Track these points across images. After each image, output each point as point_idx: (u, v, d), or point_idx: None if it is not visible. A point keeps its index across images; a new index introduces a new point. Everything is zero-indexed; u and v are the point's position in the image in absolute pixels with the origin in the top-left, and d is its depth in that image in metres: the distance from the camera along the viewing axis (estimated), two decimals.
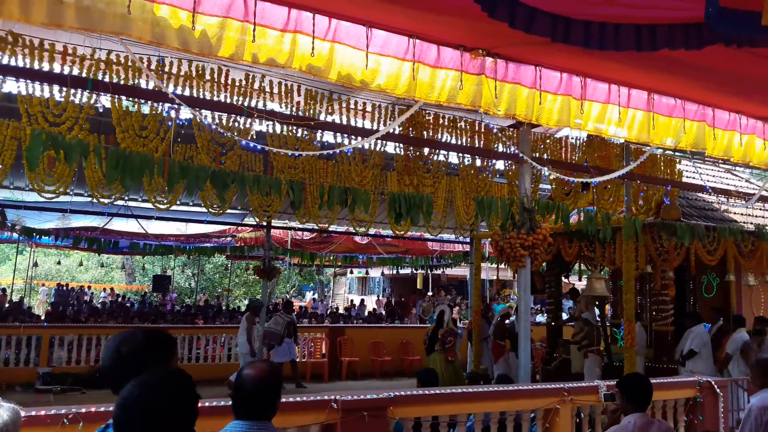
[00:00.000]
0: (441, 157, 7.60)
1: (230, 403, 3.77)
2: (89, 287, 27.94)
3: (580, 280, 15.40)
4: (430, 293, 23.21)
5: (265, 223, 12.32)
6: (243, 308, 21.75)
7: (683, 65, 4.26)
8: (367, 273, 29.15)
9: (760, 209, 10.72)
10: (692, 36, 2.86)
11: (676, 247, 8.87)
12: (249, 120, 5.99)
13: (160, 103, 5.92)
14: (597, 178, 6.85)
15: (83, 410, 3.50)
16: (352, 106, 6.80)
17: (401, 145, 7.34)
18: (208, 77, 6.13)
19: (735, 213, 10.35)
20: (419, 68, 4.26)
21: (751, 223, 9.91)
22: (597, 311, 12.45)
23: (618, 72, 4.81)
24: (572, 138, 8.42)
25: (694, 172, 10.88)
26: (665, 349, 9.37)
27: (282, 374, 2.58)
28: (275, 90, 6.41)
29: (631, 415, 3.64)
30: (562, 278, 13.24)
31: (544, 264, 11.86)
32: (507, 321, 10.90)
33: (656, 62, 4.38)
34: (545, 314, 14.88)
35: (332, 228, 12.72)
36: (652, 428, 3.60)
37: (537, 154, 7.77)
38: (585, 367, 9.89)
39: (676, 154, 8.96)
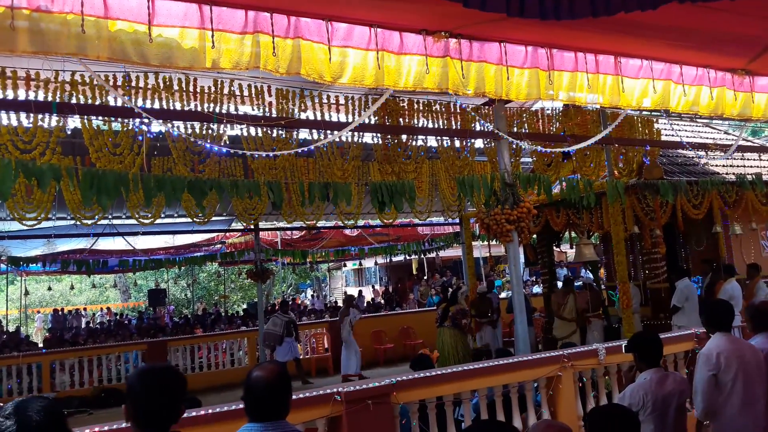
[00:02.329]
0: (420, 142, 7.61)
1: (240, 407, 3.84)
2: (85, 309, 27.81)
3: (571, 248, 15.53)
4: (425, 277, 23.31)
5: (252, 227, 12.29)
6: (241, 312, 21.80)
7: (645, 27, 4.26)
8: (361, 264, 29.20)
9: (740, 159, 10.83)
10: None
11: (661, 205, 8.96)
12: (221, 126, 5.96)
13: (131, 119, 5.87)
14: (573, 146, 6.88)
15: (97, 430, 3.50)
16: (325, 100, 6.78)
17: (379, 134, 7.34)
18: (176, 87, 6.08)
19: (716, 165, 10.45)
20: (384, 56, 4.25)
21: (733, 174, 10.02)
22: (591, 275, 12.61)
23: (582, 40, 4.81)
24: (548, 109, 8.45)
25: (671, 130, 10.97)
26: (661, 306, 9.49)
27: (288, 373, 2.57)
28: (245, 93, 6.37)
29: (647, 371, 3.75)
30: (554, 248, 13.39)
31: (534, 236, 11.97)
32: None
33: (618, 26, 4.38)
34: (541, 284, 15.05)
35: (320, 224, 12.70)
36: (668, 380, 3.71)
37: (516, 129, 7.79)
38: (588, 332, 10.04)
39: (653, 114, 9.00)
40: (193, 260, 17.18)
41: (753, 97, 5.57)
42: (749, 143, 9.48)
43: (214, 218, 9.98)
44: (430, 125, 7.24)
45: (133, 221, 8.26)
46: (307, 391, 4.28)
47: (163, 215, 8.89)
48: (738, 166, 10.68)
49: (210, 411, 3.93)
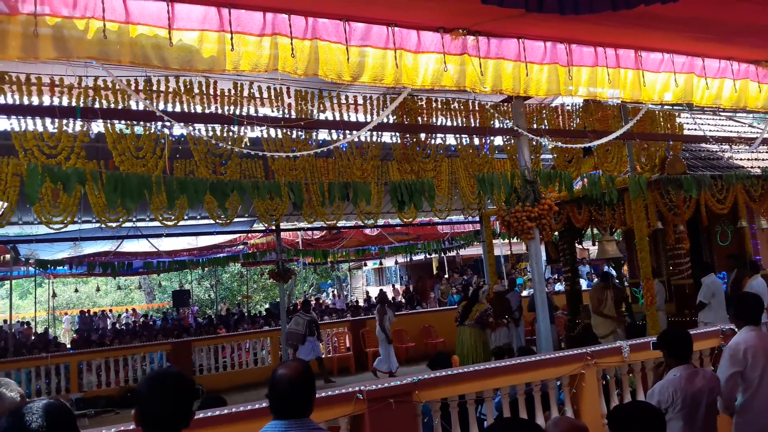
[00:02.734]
0: (439, 141, 7.60)
1: (263, 405, 3.87)
2: (111, 310, 28.25)
3: (593, 245, 15.36)
4: (446, 276, 23.26)
5: (273, 227, 12.38)
6: (264, 312, 21.96)
7: (666, 20, 4.22)
8: (381, 263, 29.22)
9: (766, 152, 10.62)
10: None
11: (685, 200, 8.83)
12: (242, 128, 6.02)
13: (153, 122, 5.95)
14: (594, 142, 6.81)
15: (122, 428, 3.55)
16: (344, 101, 6.81)
17: (397, 134, 7.34)
18: (196, 91, 6.16)
19: (741, 159, 10.26)
20: (402, 55, 4.26)
21: (758, 167, 9.83)
22: (615, 272, 12.47)
23: (602, 34, 4.77)
24: (568, 105, 8.38)
25: (694, 124, 10.80)
26: (686, 302, 9.35)
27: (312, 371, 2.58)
28: (265, 95, 6.43)
29: (677, 368, 3.69)
30: (576, 245, 13.25)
31: (556, 233, 11.87)
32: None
33: (639, 20, 4.34)
34: (563, 282, 14.91)
35: (341, 224, 12.75)
36: (698, 378, 3.66)
37: (536, 126, 7.75)
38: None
39: (675, 108, 8.88)
40: (216, 261, 17.35)
41: None
42: (762, 135, 9.29)
43: (236, 219, 10.09)
44: (449, 123, 7.23)
45: (156, 223, 8.40)
46: (330, 390, 4.29)
47: (186, 217, 8.99)
48: (764, 159, 10.48)
49: (234, 410, 3.97)
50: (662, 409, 3.52)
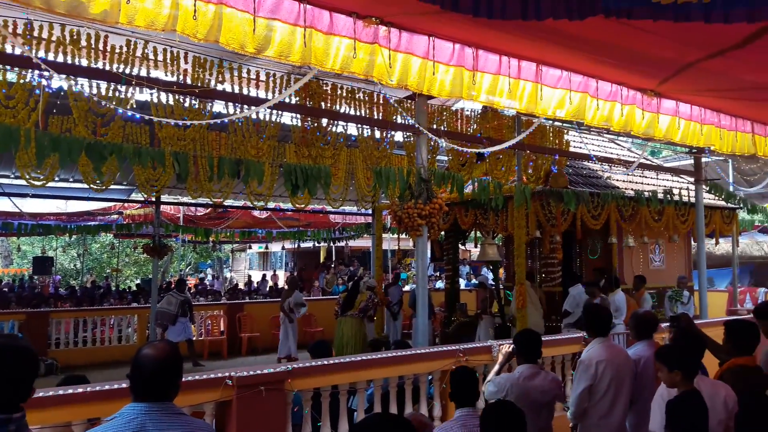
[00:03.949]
0: (340, 129, 7.50)
1: (123, 386, 3.61)
2: None
3: (475, 246, 15.96)
4: (332, 266, 23.25)
5: (153, 199, 11.71)
6: (134, 288, 20.78)
7: (568, 37, 4.40)
8: (267, 248, 28.67)
9: (639, 176, 11.55)
10: (574, 6, 2.95)
11: (563, 212, 9.39)
12: (130, 88, 5.58)
13: (29, 71, 5.37)
14: (489, 149, 7.04)
15: None
16: (245, 74, 6.51)
17: (298, 116, 7.16)
18: (84, 43, 5.62)
19: (617, 180, 11.08)
20: (312, 34, 4.12)
21: (632, 189, 10.66)
22: (491, 275, 13.03)
23: (508, 43, 4.90)
24: (467, 110, 8.60)
25: (580, 142, 11.50)
26: (555, 309, 9.96)
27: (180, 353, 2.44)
28: (159, 57, 5.99)
29: (522, 365, 4.00)
30: (459, 245, 13.73)
31: (443, 233, 12.21)
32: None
33: (544, 33, 4.50)
34: (444, 280, 15.40)
35: (228, 202, 12.29)
36: (538, 378, 3.93)
37: (435, 126, 7.86)
38: (479, 327, 10.37)
39: (564, 125, 9.39)
40: (86, 229, 16.15)
41: (657, 118, 5.91)
42: (648, 161, 10.09)
43: (112, 186, 9.37)
44: (352, 113, 7.15)
45: (22, 182, 7.60)
46: (198, 374, 4.10)
47: (56, 178, 8.22)
48: (637, 182, 11.38)
49: (90, 389, 3.68)
50: (497, 397, 3.81)
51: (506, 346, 4.29)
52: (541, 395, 3.90)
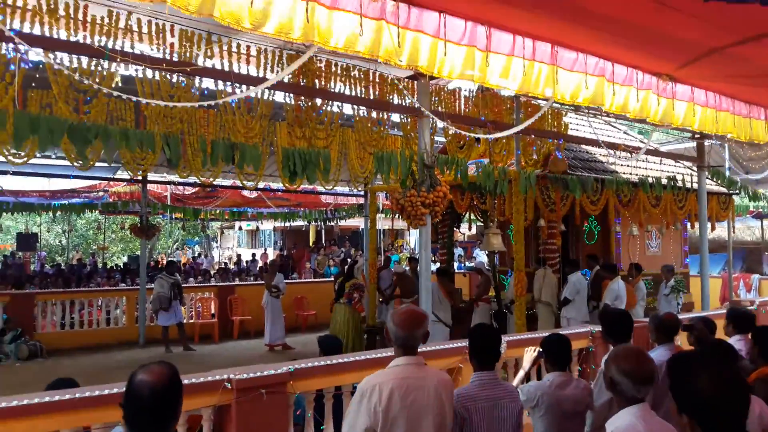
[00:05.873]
0: (335, 108, 7.14)
1: (116, 390, 3.34)
2: None
3: (470, 229, 15.77)
4: (323, 246, 22.96)
5: (140, 178, 11.31)
6: (121, 266, 20.38)
7: (588, 15, 4.08)
8: (257, 227, 28.29)
9: (643, 161, 11.29)
10: None
11: (562, 198, 9.14)
12: (113, 64, 5.19)
13: (3, 43, 4.96)
14: (496, 134, 6.71)
15: None
16: (234, 49, 6.11)
17: (291, 94, 6.79)
18: (62, 13, 5.22)
19: (614, 164, 10.81)
20: (314, 9, 3.76)
21: (634, 174, 10.40)
22: (487, 259, 12.83)
23: (523, 21, 4.56)
24: (465, 90, 8.24)
25: (577, 124, 11.22)
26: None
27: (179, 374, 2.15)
28: (144, 29, 5.59)
29: (552, 373, 3.78)
30: (454, 228, 13.49)
31: None
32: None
33: (561, 11, 4.19)
34: (438, 263, 15.18)
35: (217, 182, 11.91)
36: (569, 387, 3.70)
37: (432, 107, 7.52)
38: (475, 314, 10.14)
39: (563, 107, 9.08)
40: (70, 207, 15.70)
41: (673, 104, 5.61)
42: (646, 146, 9.83)
43: (97, 164, 8.96)
44: (347, 91, 6.79)
45: (1, 158, 7.21)
46: (194, 377, 3.82)
47: (38, 155, 7.80)
48: (635, 167, 11.13)
49: (79, 395, 3.39)
50: (528, 406, 3.65)
51: (532, 350, 4.02)
52: (574, 405, 3.66)
